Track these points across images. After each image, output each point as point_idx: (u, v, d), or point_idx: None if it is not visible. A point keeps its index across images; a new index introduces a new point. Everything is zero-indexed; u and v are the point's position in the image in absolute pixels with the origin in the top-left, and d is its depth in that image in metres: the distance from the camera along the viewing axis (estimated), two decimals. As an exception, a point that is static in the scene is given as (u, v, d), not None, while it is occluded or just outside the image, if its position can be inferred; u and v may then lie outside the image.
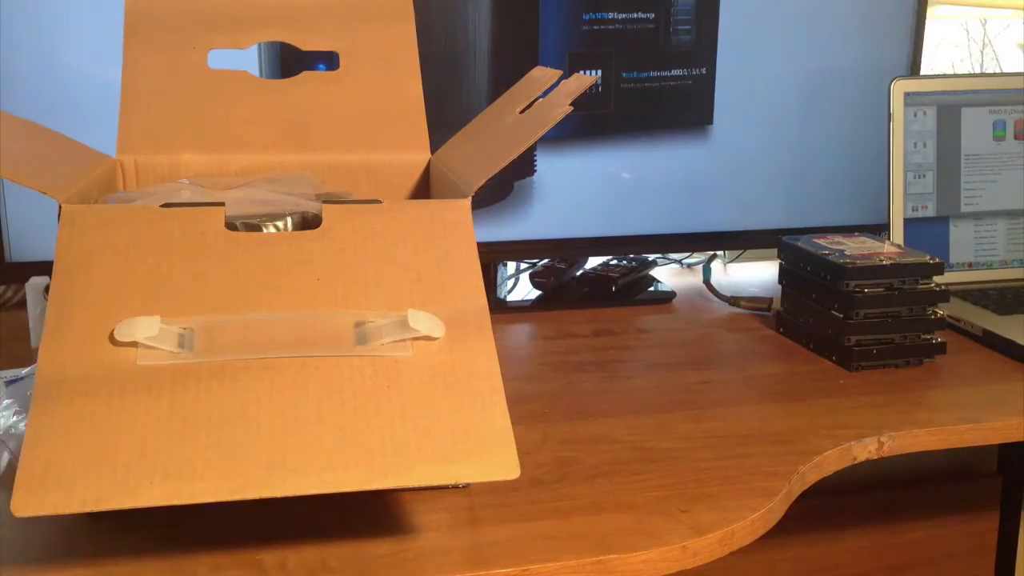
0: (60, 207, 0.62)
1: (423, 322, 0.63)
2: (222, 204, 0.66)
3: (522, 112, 0.78)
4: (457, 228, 0.69)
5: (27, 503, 0.52)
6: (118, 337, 0.59)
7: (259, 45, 0.98)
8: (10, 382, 0.78)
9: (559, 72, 0.82)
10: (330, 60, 0.87)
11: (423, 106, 0.87)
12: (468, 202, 0.69)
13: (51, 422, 0.55)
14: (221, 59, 0.81)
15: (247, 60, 0.98)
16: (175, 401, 0.57)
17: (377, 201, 0.69)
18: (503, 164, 0.69)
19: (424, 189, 0.89)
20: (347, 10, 0.84)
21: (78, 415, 0.56)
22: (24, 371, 0.80)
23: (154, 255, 0.63)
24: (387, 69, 0.86)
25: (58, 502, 0.53)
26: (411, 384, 0.61)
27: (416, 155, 0.87)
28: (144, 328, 0.59)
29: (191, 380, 0.58)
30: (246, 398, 0.58)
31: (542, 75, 0.84)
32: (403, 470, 0.57)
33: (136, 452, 0.55)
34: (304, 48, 0.84)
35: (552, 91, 0.77)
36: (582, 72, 0.85)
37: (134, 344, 0.59)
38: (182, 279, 0.62)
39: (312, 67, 0.86)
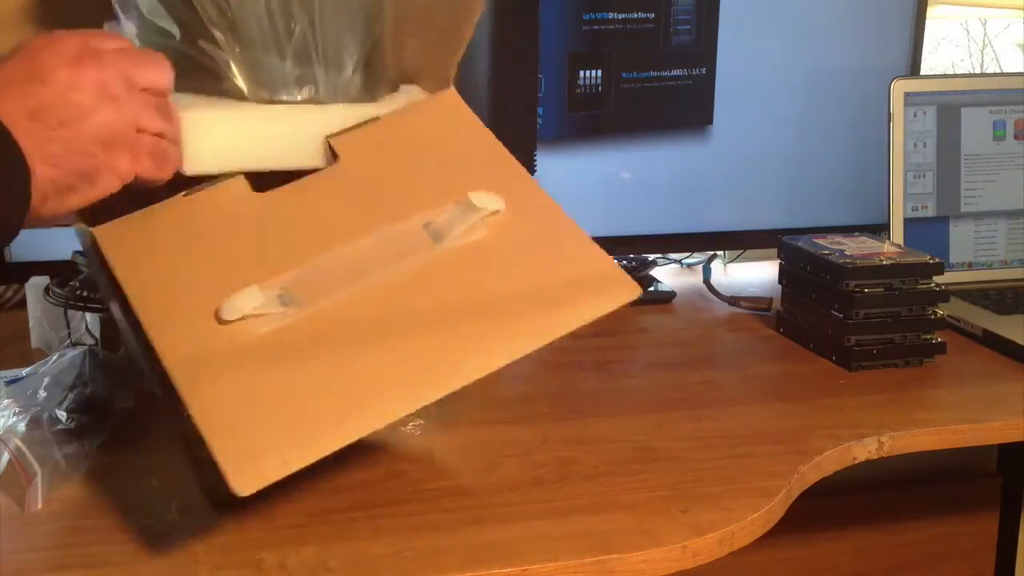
0: (93, 234, 0.63)
1: (485, 200, 0.66)
2: (240, 174, 0.67)
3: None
4: (459, 115, 0.71)
5: (246, 481, 0.53)
6: (226, 317, 0.59)
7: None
8: (10, 382, 0.78)
9: None
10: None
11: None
12: (452, 90, 0.72)
13: (212, 405, 0.56)
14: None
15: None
16: (311, 350, 0.59)
17: (375, 119, 0.70)
18: (462, 48, 0.71)
19: None
20: None
21: (233, 392, 0.57)
22: (25, 371, 0.80)
23: (204, 238, 0.63)
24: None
25: (271, 469, 0.53)
26: (506, 256, 0.64)
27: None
28: (248, 300, 0.60)
29: (314, 328, 0.60)
30: (375, 323, 0.60)
31: None
32: (553, 322, 0.61)
33: (305, 404, 0.57)
34: None
35: None
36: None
37: (243, 318, 0.60)
38: (244, 248, 0.63)
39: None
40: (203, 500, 0.69)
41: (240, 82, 0.67)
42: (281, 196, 0.66)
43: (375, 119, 0.70)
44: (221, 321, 0.59)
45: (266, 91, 0.67)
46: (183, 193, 0.65)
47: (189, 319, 0.60)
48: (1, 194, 0.53)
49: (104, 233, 0.62)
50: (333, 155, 0.68)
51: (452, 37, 0.72)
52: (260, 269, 0.62)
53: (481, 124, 0.71)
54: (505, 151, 0.69)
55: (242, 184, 0.66)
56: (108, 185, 0.58)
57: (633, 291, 0.64)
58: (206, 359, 0.58)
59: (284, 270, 0.62)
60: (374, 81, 0.72)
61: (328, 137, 0.69)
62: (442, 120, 0.71)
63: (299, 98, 0.68)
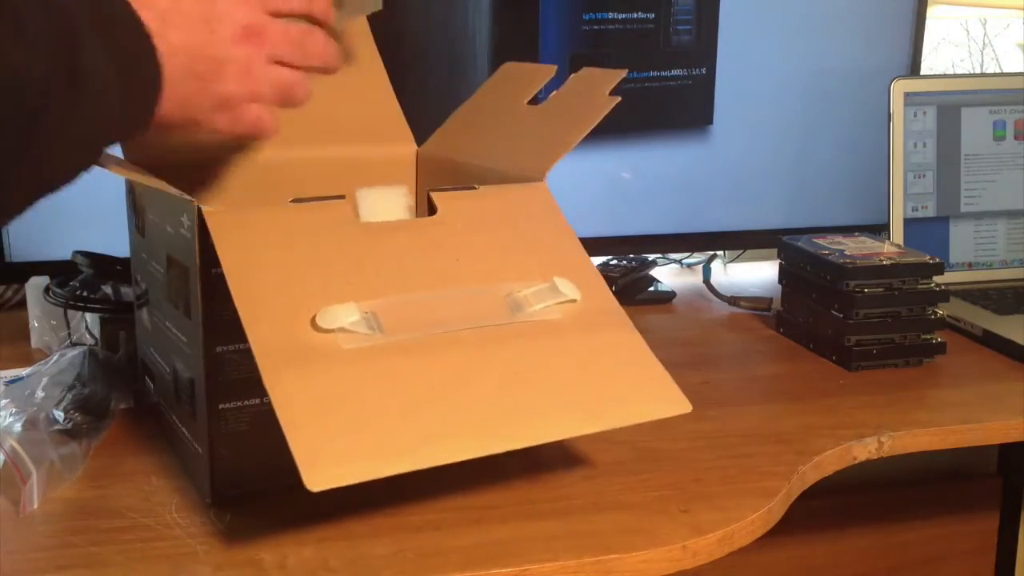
0: (201, 211, 0.64)
1: (567, 287, 0.70)
2: (343, 197, 0.70)
3: (531, 103, 0.86)
4: (547, 208, 0.76)
5: (319, 477, 0.54)
6: (322, 324, 0.62)
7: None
8: (11, 382, 0.78)
9: (552, 68, 0.85)
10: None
11: (394, 98, 0.92)
12: (545, 184, 0.77)
13: (294, 399, 0.58)
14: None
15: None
16: (394, 375, 0.62)
17: (472, 187, 0.75)
18: (570, 148, 0.77)
19: (420, 181, 0.91)
20: None
21: (315, 393, 0.59)
22: (25, 371, 0.80)
23: (308, 247, 0.66)
24: (354, 65, 0.88)
25: (346, 473, 0.56)
26: (574, 342, 0.68)
27: (403, 148, 0.92)
28: (346, 314, 0.63)
29: (397, 356, 0.63)
30: (450, 369, 0.63)
31: (528, 70, 0.90)
32: (602, 414, 0.65)
33: (383, 422, 0.59)
34: None
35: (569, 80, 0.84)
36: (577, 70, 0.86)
37: (334, 330, 0.62)
38: (344, 267, 0.66)
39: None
40: (202, 500, 0.69)
41: None
42: (380, 229, 0.70)
43: (472, 187, 0.75)
44: (316, 327, 0.62)
45: None
46: (291, 200, 0.68)
47: (284, 317, 0.62)
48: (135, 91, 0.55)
49: (213, 217, 0.64)
50: (431, 207, 0.73)
51: (568, 135, 0.78)
52: (355, 289, 0.65)
53: (565, 220, 0.76)
54: (584, 251, 0.75)
55: (346, 208, 0.69)
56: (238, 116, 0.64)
57: (684, 407, 0.68)
58: (294, 357, 0.60)
59: (375, 296, 0.65)
60: None
61: (428, 190, 0.74)
62: (532, 206, 0.76)
63: None
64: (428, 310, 0.66)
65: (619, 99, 0.78)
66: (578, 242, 0.75)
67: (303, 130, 0.79)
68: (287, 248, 0.66)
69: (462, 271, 0.70)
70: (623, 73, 0.82)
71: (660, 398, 0.68)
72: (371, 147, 0.90)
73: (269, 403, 0.63)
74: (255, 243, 0.65)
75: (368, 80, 0.90)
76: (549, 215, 0.76)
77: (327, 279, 0.65)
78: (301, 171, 0.85)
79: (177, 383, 0.73)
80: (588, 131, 0.77)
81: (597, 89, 0.81)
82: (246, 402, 0.68)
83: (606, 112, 0.78)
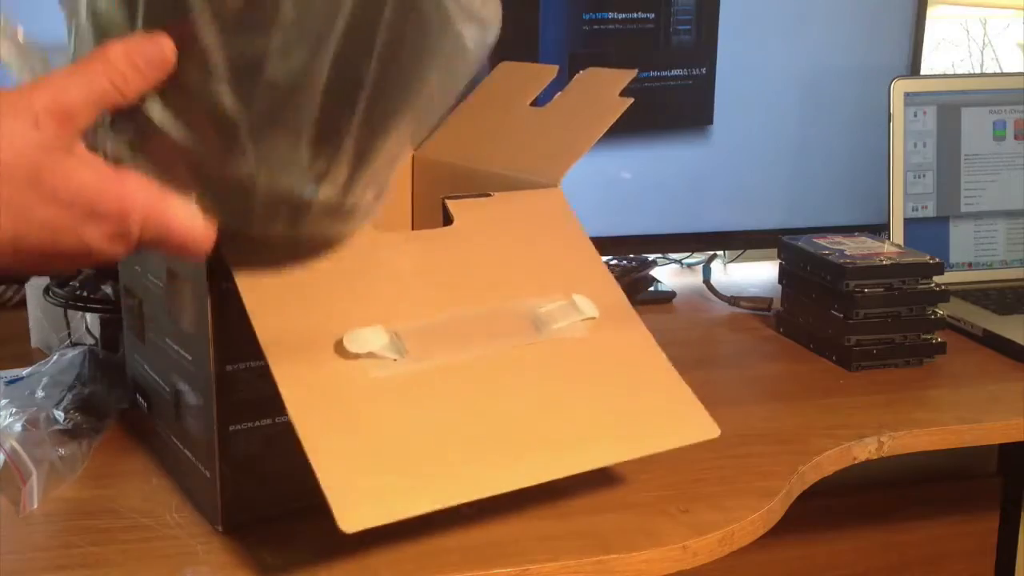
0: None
1: (585, 305, 0.69)
2: None
3: (533, 105, 0.84)
4: (563, 215, 0.75)
5: (352, 520, 0.53)
6: (352, 349, 0.60)
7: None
8: (10, 382, 0.78)
9: (553, 68, 0.84)
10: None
11: None
12: (560, 189, 0.75)
13: (326, 438, 0.56)
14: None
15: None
16: (425, 405, 0.60)
17: (487, 194, 0.74)
18: (583, 152, 0.76)
19: (416, 184, 0.90)
20: None
21: (346, 430, 0.57)
22: (25, 371, 0.80)
23: (325, 265, 0.61)
24: None
25: (378, 515, 0.54)
26: (600, 364, 0.68)
27: None
28: (374, 339, 0.60)
29: (426, 385, 0.61)
30: (481, 394, 0.62)
31: (527, 70, 0.88)
32: (636, 441, 0.65)
33: (415, 457, 0.58)
34: None
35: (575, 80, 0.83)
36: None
37: (362, 355, 0.60)
38: (363, 286, 0.64)
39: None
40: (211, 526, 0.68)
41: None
42: (397, 241, 0.68)
43: (487, 194, 0.74)
44: (342, 353, 0.60)
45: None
46: None
47: (306, 340, 0.60)
48: None
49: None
50: (447, 216, 0.71)
51: (581, 138, 0.76)
52: (377, 308, 0.63)
53: (582, 228, 0.75)
54: (601, 262, 0.74)
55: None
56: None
57: (713, 432, 0.68)
58: (321, 387, 0.58)
59: (398, 316, 0.63)
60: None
61: (444, 198, 0.72)
62: (548, 214, 0.75)
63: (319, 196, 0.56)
64: (452, 330, 0.64)
65: (631, 100, 0.76)
66: (595, 252, 0.74)
67: None
68: (296, 274, 0.62)
69: (483, 286, 0.68)
70: (632, 73, 0.80)
71: (690, 423, 0.68)
72: None
73: (281, 423, 0.63)
74: (266, 271, 0.61)
75: None
76: (566, 223, 0.75)
77: (346, 296, 0.63)
78: None
79: (179, 404, 0.69)
80: (601, 134, 0.76)
81: (606, 90, 0.79)
82: (257, 423, 0.65)
83: (618, 115, 0.76)
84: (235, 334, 0.62)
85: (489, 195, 0.74)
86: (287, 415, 0.56)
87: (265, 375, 0.58)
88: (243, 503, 0.66)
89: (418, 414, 0.60)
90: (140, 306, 0.75)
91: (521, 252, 0.72)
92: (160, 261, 0.69)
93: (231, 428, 0.64)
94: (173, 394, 0.70)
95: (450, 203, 0.72)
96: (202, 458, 0.67)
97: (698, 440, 0.67)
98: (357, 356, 0.60)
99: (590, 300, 0.70)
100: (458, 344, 0.64)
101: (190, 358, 0.66)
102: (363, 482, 0.55)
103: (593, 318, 0.69)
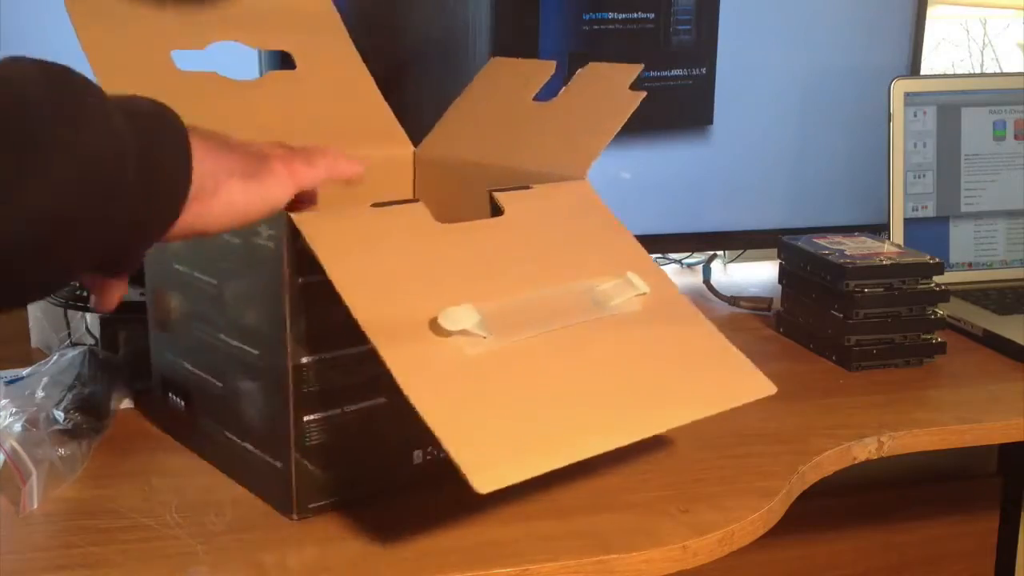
0: (292, 220, 0.63)
1: (638, 281, 0.73)
2: (418, 200, 0.70)
3: (537, 100, 0.86)
4: (595, 205, 0.79)
5: (486, 480, 0.55)
6: (447, 327, 0.62)
7: (259, 52, 0.97)
8: (10, 382, 0.78)
9: (550, 64, 0.84)
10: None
11: (381, 97, 0.91)
12: (588, 182, 0.79)
13: (443, 411, 0.58)
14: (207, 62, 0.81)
15: (248, 66, 0.98)
16: (519, 376, 0.63)
17: (526, 186, 0.77)
18: (604, 145, 0.79)
19: (418, 181, 0.91)
20: (286, 15, 0.88)
21: (459, 401, 0.60)
22: (25, 371, 0.80)
23: (402, 250, 0.67)
24: (340, 69, 0.88)
25: (512, 473, 0.57)
26: (659, 333, 0.72)
27: (399, 149, 0.91)
28: (467, 317, 0.63)
29: (516, 359, 0.64)
30: (563, 366, 0.65)
31: (521, 66, 0.90)
32: (705, 401, 0.69)
33: (530, 419, 0.61)
34: (255, 47, 0.88)
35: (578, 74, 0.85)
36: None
37: (455, 332, 0.63)
38: (438, 269, 0.67)
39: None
40: (267, 508, 0.69)
41: None
42: (459, 231, 0.71)
43: (527, 187, 0.77)
44: (438, 331, 0.62)
45: None
46: (371, 204, 0.67)
47: (403, 321, 0.62)
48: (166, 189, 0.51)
49: (307, 223, 0.63)
50: (496, 208, 0.74)
51: (600, 131, 0.80)
52: (458, 291, 0.66)
53: (614, 216, 0.79)
54: (639, 245, 0.78)
55: (424, 210, 0.69)
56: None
57: (770, 389, 0.72)
58: (425, 361, 0.61)
59: (478, 300, 0.65)
60: None
61: (491, 190, 0.75)
62: (583, 204, 0.79)
63: None
64: (524, 310, 0.68)
65: (644, 94, 0.80)
66: (632, 236, 0.78)
67: (298, 133, 0.79)
68: (383, 252, 0.65)
69: (543, 269, 0.72)
70: (639, 68, 0.83)
71: (749, 382, 0.72)
72: (368, 149, 0.89)
73: (351, 412, 0.67)
74: (350, 248, 0.64)
75: (355, 85, 0.90)
76: (600, 212, 0.78)
77: (429, 281, 0.66)
78: None
79: (238, 398, 0.71)
80: (619, 127, 0.79)
81: (616, 84, 0.82)
82: (328, 412, 0.67)
83: (634, 107, 0.80)
84: (310, 328, 0.65)
85: (529, 187, 0.77)
86: (370, 400, 0.62)
87: (336, 366, 0.65)
88: (316, 491, 0.68)
89: (517, 385, 0.63)
90: (178, 304, 0.76)
91: (570, 238, 0.76)
92: (214, 261, 0.71)
93: (305, 419, 0.66)
94: (229, 389, 0.72)
95: (497, 195, 0.75)
96: (270, 449, 0.68)
97: (760, 396, 0.71)
98: (451, 334, 0.62)
99: (641, 278, 0.74)
100: (533, 323, 0.67)
101: (257, 352, 0.68)
102: (488, 447, 0.58)
103: (645, 293, 0.73)
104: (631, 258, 0.76)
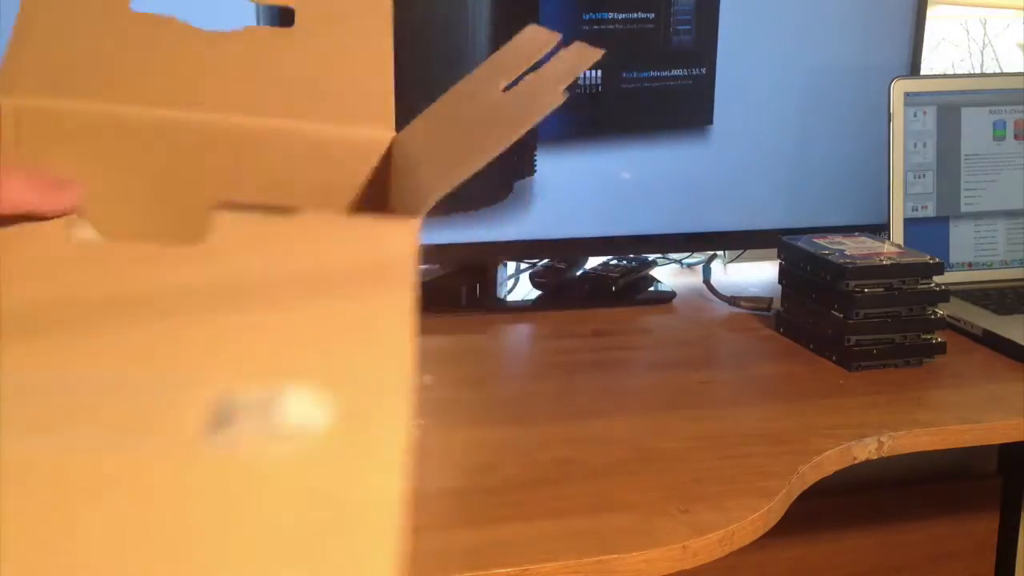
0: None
1: (304, 406, 0.39)
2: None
3: (507, 89, 0.58)
4: (394, 266, 0.44)
5: None
6: None
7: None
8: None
9: (555, 36, 0.65)
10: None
11: (391, 73, 0.70)
12: (416, 224, 0.45)
13: None
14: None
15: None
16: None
17: (291, 209, 0.46)
18: (471, 171, 0.48)
19: (384, 175, 0.80)
20: None
21: None
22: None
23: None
24: (351, 27, 0.70)
25: None
26: (270, 509, 0.34)
27: (378, 131, 0.68)
28: None
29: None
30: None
31: (535, 37, 0.63)
32: None
33: None
34: None
35: (545, 64, 0.55)
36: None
37: None
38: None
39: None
40: None
41: None
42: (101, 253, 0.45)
43: (291, 209, 0.49)
44: None
45: None
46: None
47: None
48: None
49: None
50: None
51: (466, 160, 0.62)
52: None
53: (409, 294, 0.41)
54: (408, 348, 0.40)
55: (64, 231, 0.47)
56: None
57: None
58: None
59: None
60: None
61: (216, 206, 0.49)
62: (367, 262, 0.44)
63: None
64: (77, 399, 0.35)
65: (563, 98, 0.50)
66: (408, 331, 0.40)
67: (263, 96, 0.61)
68: None
69: (173, 342, 0.38)
70: (597, 54, 0.61)
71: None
72: (337, 126, 0.66)
73: None
74: None
75: (365, 49, 0.71)
76: (388, 277, 0.44)
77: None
78: (238, 142, 0.63)
79: None
80: (498, 151, 0.46)
81: (548, 83, 0.52)
82: None
83: (534, 121, 0.47)
84: None
85: (293, 210, 0.47)
86: None
87: None
88: None
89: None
90: None
91: (276, 307, 0.30)
92: None
93: None
94: None
95: (219, 215, 0.45)
96: None
97: None
98: None
99: (330, 402, 0.37)
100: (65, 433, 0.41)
101: None
102: None
103: (314, 429, 0.38)
104: (358, 365, 0.38)
